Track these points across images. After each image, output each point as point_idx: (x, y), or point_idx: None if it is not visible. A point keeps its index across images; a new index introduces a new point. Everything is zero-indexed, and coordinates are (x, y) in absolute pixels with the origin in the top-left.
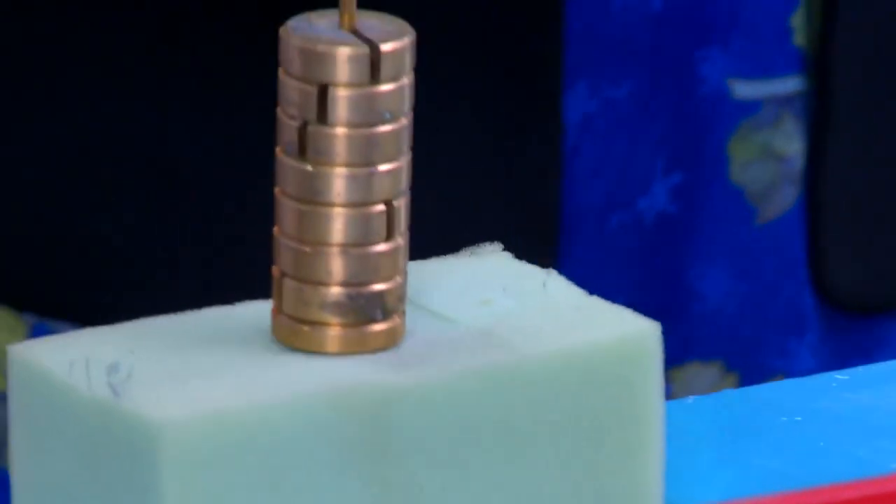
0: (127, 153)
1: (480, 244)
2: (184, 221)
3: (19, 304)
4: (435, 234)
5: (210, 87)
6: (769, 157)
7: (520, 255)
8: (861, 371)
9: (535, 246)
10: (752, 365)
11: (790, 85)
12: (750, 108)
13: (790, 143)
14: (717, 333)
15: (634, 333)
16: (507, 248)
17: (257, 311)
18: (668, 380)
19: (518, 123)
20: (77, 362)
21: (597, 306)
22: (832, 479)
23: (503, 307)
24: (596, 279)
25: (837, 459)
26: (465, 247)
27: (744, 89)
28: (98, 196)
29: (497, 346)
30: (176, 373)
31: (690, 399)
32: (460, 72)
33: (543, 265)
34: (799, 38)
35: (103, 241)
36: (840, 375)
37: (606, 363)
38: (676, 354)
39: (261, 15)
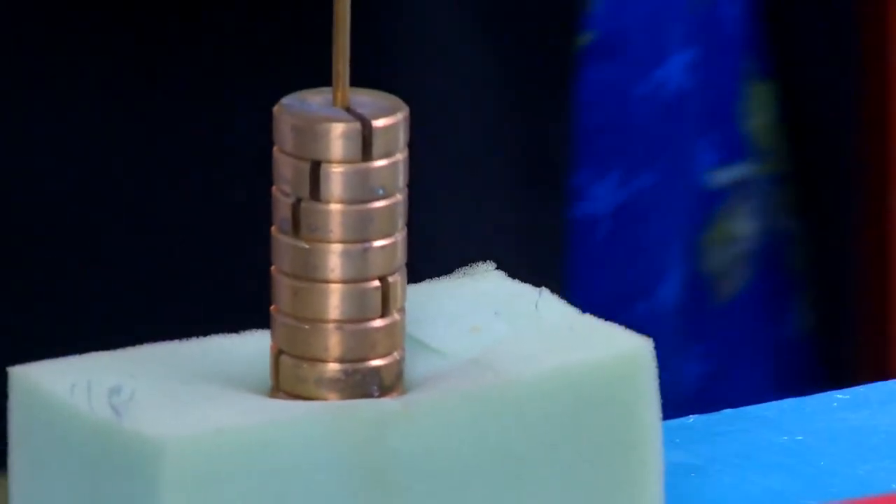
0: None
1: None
2: None
3: None
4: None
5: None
6: None
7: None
8: (861, 390)
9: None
10: None
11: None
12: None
13: None
14: None
15: (627, 351)
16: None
17: (258, 341)
18: None
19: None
20: (79, 385)
21: (589, 325)
22: (833, 497)
23: (493, 333)
24: None
25: (838, 478)
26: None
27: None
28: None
29: (487, 373)
30: (177, 396)
31: (691, 418)
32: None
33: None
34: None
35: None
36: (841, 395)
37: (599, 383)
38: None
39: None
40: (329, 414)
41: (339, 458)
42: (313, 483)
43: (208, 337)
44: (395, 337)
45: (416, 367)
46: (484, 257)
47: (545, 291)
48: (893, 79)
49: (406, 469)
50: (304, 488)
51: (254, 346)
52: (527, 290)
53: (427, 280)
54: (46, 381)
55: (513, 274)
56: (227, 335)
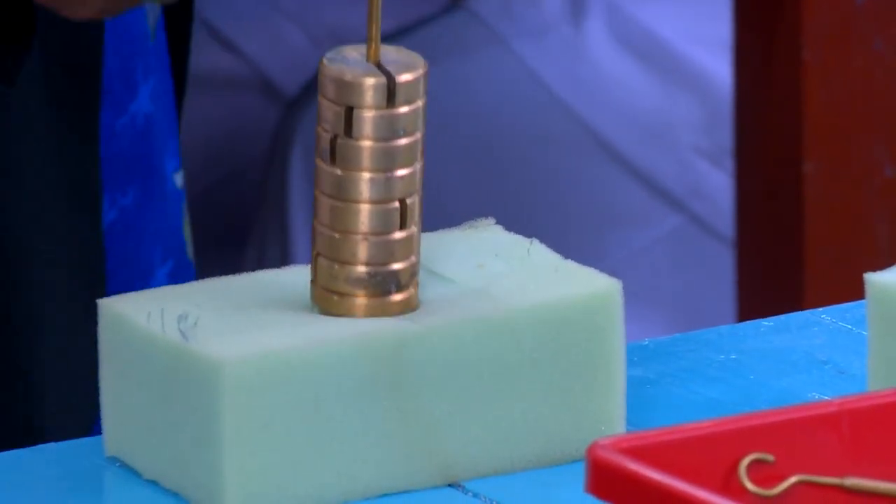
0: None
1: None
2: None
3: None
4: None
5: None
6: None
7: None
8: (783, 318)
9: None
10: None
11: None
12: None
13: None
14: None
15: (600, 289)
16: None
17: (300, 274)
18: None
19: None
20: (154, 313)
21: (570, 268)
22: (761, 405)
23: (494, 269)
24: None
25: (765, 389)
26: None
27: None
28: None
29: (489, 301)
30: (232, 322)
31: (646, 341)
32: None
33: None
34: None
35: None
36: (767, 322)
37: (578, 313)
38: None
39: None
40: (357, 335)
41: (365, 371)
42: (345, 394)
43: (257, 272)
44: (411, 246)
45: (433, 291)
46: None
47: (535, 241)
48: None
49: (420, 378)
50: (337, 398)
51: (293, 278)
52: (520, 239)
53: (440, 230)
54: (128, 310)
55: None
56: (271, 270)
